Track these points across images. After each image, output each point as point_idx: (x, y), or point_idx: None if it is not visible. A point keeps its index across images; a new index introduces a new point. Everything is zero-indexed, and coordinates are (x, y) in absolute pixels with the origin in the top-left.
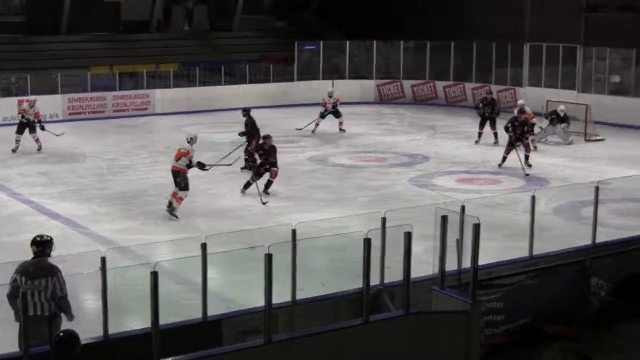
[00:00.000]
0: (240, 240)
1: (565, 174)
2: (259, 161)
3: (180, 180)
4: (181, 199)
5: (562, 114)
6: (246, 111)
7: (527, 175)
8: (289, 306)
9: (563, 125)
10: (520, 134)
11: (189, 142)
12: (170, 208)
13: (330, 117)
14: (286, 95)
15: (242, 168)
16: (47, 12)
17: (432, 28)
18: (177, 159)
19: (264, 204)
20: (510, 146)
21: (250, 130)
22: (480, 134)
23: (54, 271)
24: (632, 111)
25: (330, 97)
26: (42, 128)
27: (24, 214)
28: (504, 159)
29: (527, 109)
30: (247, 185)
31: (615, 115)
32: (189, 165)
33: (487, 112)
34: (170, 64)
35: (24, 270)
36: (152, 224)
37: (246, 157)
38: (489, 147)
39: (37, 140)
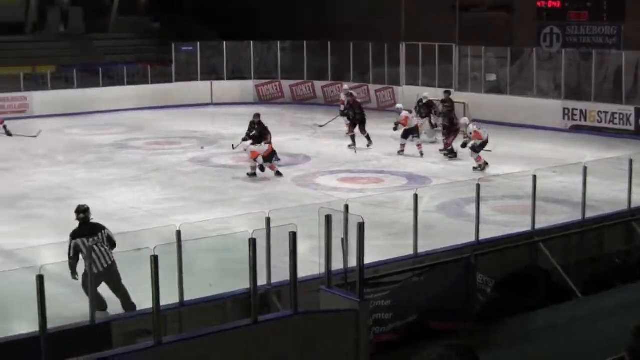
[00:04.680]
0: (125, 242)
1: (447, 171)
2: None
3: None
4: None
5: (425, 100)
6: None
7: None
8: (177, 308)
9: (432, 118)
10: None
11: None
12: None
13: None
14: (165, 97)
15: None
16: None
17: (308, 28)
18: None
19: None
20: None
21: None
22: (353, 137)
23: (102, 226)
24: (508, 109)
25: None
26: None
27: None
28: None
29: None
30: None
31: (493, 113)
32: None
33: (353, 115)
34: (47, 66)
35: (81, 234)
36: (35, 227)
37: None
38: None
39: None
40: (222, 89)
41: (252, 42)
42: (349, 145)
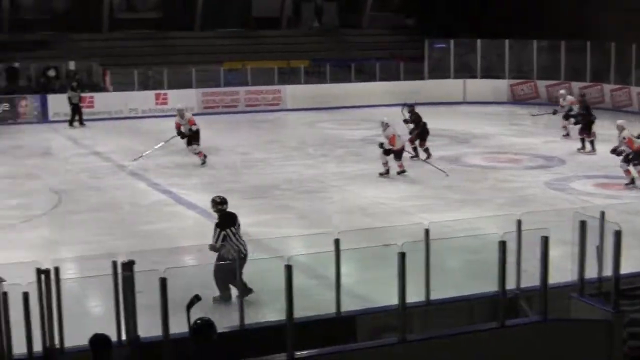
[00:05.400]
0: (371, 237)
1: None
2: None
3: None
4: None
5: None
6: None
7: None
8: (423, 306)
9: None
10: None
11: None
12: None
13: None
14: (416, 94)
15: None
16: (181, 9)
17: (567, 27)
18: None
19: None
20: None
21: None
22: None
23: (236, 214)
24: None
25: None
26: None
27: (163, 204)
28: None
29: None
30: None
31: None
32: None
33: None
34: (301, 60)
35: (227, 224)
36: (285, 218)
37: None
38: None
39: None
40: (475, 87)
41: (507, 40)
42: (578, 149)
